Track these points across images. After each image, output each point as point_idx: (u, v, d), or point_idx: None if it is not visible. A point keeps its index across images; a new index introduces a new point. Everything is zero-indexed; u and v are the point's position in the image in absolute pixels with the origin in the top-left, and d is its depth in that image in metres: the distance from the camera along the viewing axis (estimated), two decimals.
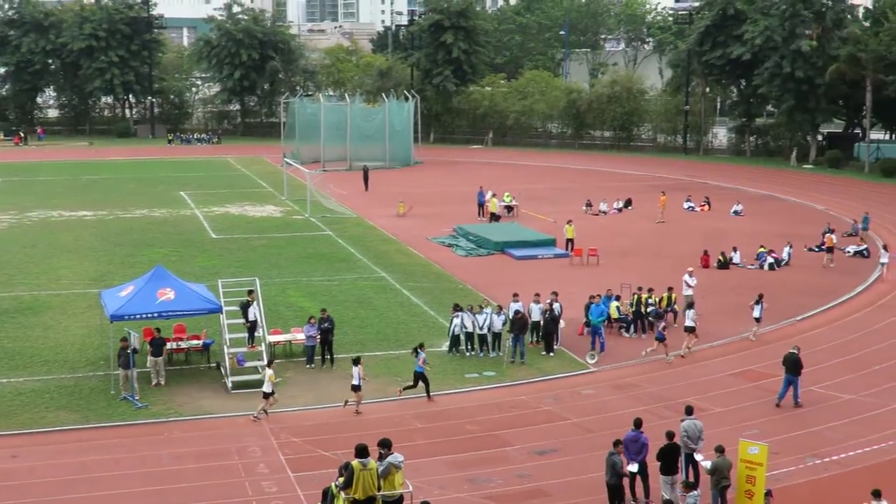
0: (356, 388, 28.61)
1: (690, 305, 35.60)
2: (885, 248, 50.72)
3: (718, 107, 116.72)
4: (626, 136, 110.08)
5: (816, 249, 52.01)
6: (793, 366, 29.57)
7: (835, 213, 65.06)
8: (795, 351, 29.96)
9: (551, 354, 34.31)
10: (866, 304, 41.88)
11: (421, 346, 30.49)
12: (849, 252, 52.00)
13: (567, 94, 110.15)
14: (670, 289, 38.85)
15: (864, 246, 52.72)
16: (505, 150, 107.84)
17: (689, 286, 39.47)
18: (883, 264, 48.81)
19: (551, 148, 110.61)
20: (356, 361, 28.74)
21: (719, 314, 39.42)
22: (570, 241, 51.18)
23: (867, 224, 57.18)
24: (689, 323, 34.88)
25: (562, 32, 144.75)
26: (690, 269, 41.58)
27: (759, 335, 36.71)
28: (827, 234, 51.55)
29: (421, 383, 29.94)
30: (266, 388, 28.26)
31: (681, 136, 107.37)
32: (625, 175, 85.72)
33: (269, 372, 28.50)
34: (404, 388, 30.08)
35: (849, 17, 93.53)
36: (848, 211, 65.12)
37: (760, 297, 36.88)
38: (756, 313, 36.57)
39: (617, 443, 22.56)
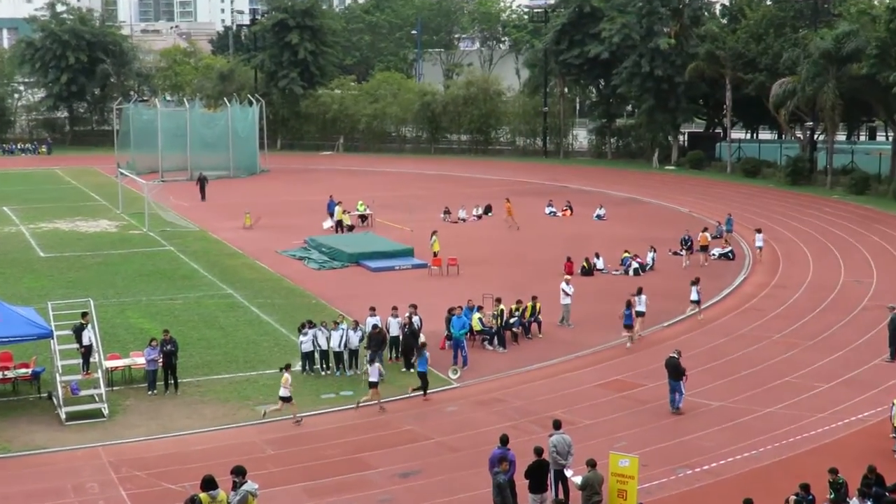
0: (373, 385, 30.51)
1: (640, 291, 38.73)
2: (758, 231, 54.06)
3: (578, 108, 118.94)
4: (484, 139, 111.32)
5: (682, 253, 53.15)
6: (673, 370, 30.21)
7: (699, 214, 66.95)
8: (676, 355, 30.59)
9: (412, 371, 34.32)
10: (732, 308, 43.12)
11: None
12: (714, 255, 53.50)
13: (421, 97, 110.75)
14: (534, 298, 39.29)
15: (729, 248, 54.36)
16: (357, 156, 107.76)
17: (566, 294, 39.93)
18: (759, 248, 53.05)
19: (406, 153, 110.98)
20: (372, 360, 31.38)
21: (585, 322, 40.06)
22: (433, 253, 51.18)
23: (731, 225, 58.80)
24: (640, 308, 37.85)
25: (413, 32, 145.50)
26: (568, 277, 42.13)
27: (698, 318, 41.02)
28: (702, 234, 53.28)
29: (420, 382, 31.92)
30: (283, 392, 29.22)
31: (540, 138, 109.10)
32: (483, 180, 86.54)
33: (285, 376, 29.41)
34: (414, 389, 31.87)
35: (706, 14, 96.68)
36: (711, 213, 67.06)
37: (696, 280, 41.65)
38: (693, 296, 40.88)
39: (501, 459, 22.62)
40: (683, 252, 52.55)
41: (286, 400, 29.32)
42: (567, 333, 38.94)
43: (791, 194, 77.21)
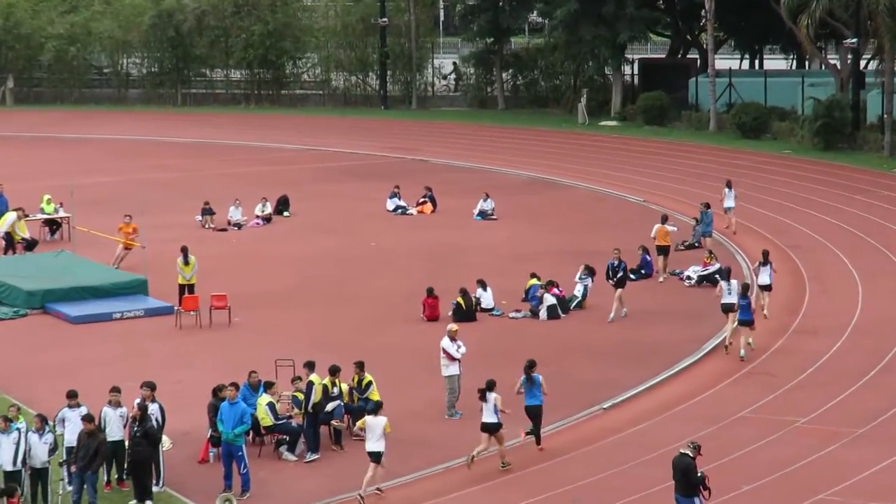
0: (496, 428, 35.05)
1: (729, 273, 47.32)
2: (728, 185, 61.51)
3: (443, 19, 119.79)
4: (273, 77, 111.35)
5: (633, 276, 53.06)
6: (683, 478, 30.06)
7: (659, 206, 67.32)
8: (689, 452, 30.48)
9: (148, 503, 34.05)
10: (723, 374, 43.52)
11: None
12: (689, 279, 53.98)
13: (156, 4, 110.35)
14: (360, 365, 38.93)
15: (714, 266, 54.29)
16: (40, 110, 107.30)
17: (451, 359, 39.67)
18: (728, 210, 60.54)
19: (131, 104, 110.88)
20: (489, 388, 35.46)
21: (462, 407, 40.02)
22: (185, 287, 50.96)
23: (710, 224, 58.88)
24: (732, 298, 45.02)
25: None
26: (453, 327, 41.13)
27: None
28: (658, 226, 54.38)
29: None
30: (376, 445, 33.13)
31: (376, 75, 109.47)
32: (274, 152, 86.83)
33: (382, 420, 33.36)
34: (527, 433, 36.65)
35: None
36: (682, 202, 67.87)
37: (766, 253, 48.96)
38: (763, 279, 48.05)
39: None
40: (614, 285, 50.45)
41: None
42: (428, 429, 38.90)
43: (822, 166, 78.80)
